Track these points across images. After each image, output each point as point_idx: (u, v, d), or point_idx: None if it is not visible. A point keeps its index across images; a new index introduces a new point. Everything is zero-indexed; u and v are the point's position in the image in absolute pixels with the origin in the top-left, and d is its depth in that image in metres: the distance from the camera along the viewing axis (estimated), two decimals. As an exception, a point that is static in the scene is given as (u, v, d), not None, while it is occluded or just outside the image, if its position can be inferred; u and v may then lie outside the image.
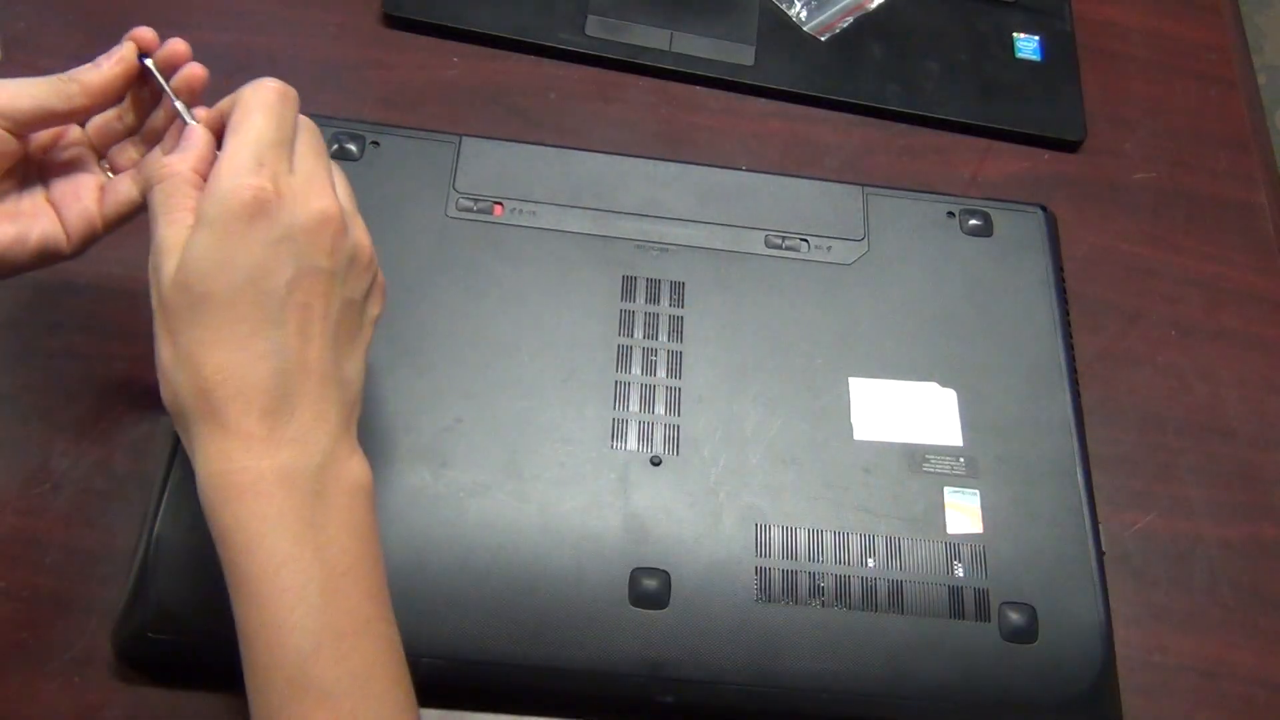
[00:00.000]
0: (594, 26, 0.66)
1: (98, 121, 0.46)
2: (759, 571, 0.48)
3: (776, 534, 0.49)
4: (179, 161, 0.39)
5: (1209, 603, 0.54)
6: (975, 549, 0.50)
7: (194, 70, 0.44)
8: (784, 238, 0.57)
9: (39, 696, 0.45)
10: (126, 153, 0.46)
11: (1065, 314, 0.57)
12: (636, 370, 0.52)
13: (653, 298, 0.54)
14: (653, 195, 0.57)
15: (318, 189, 0.38)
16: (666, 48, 0.66)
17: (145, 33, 0.44)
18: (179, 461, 0.47)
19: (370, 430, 0.49)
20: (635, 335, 0.53)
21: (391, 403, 0.50)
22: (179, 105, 0.43)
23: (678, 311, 0.54)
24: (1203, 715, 0.51)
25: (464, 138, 0.57)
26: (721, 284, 0.55)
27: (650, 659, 0.46)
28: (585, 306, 0.53)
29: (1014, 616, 0.48)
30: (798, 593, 0.48)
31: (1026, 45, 0.69)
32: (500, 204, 0.56)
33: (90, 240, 0.45)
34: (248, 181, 0.36)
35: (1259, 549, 0.55)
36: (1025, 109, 0.67)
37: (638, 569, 0.47)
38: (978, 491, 0.51)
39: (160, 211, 0.38)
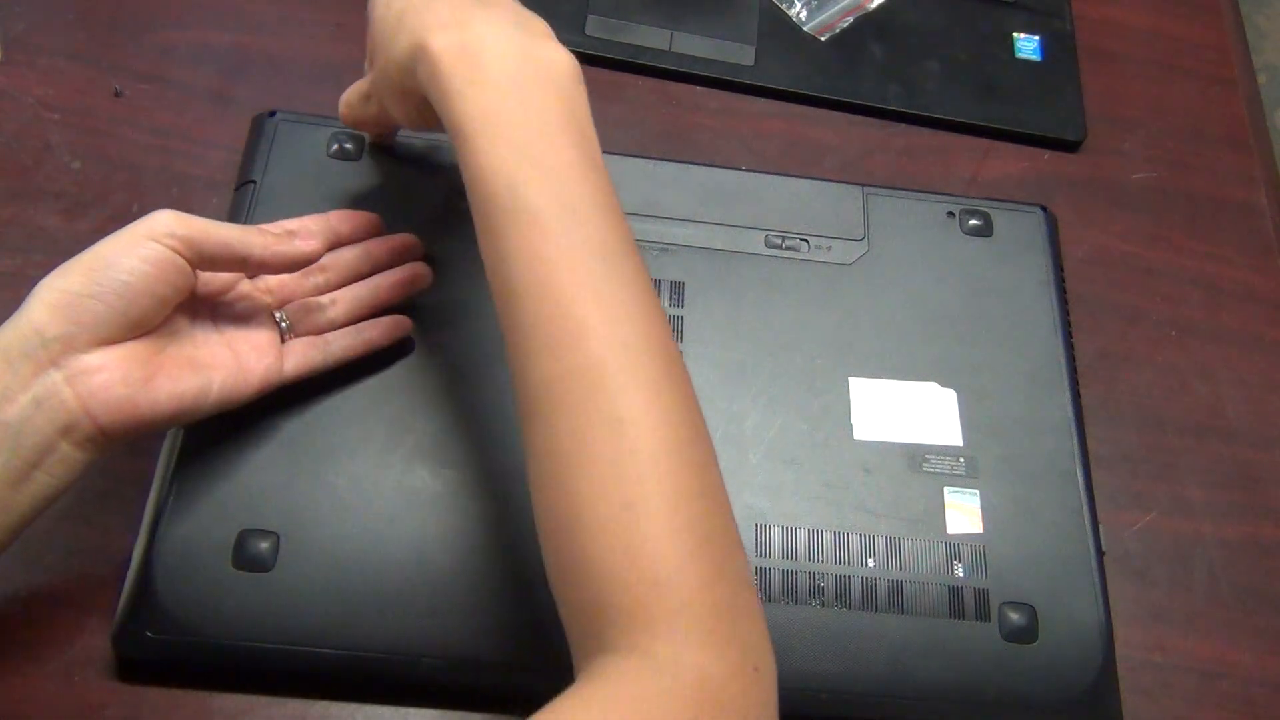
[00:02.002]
0: (594, 26, 0.66)
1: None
2: (759, 571, 0.48)
3: (776, 534, 0.49)
4: None
5: (1209, 603, 0.54)
6: (975, 549, 0.50)
7: (417, 270, 0.51)
8: (784, 238, 0.57)
9: (39, 696, 0.45)
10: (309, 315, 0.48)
11: (1065, 314, 0.57)
12: (636, 370, 0.52)
13: (653, 298, 0.54)
14: (653, 195, 0.57)
15: None
16: (666, 48, 0.66)
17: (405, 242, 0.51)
18: (179, 461, 0.47)
19: (370, 430, 0.49)
20: (635, 335, 0.53)
21: (391, 402, 0.50)
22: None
23: (678, 311, 0.54)
24: (1203, 715, 0.51)
25: (464, 138, 0.57)
26: (721, 284, 0.55)
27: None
28: (585, 306, 0.53)
29: (1014, 616, 0.48)
30: (798, 593, 0.48)
31: (1026, 45, 0.69)
32: (500, 204, 0.56)
33: (267, 392, 0.45)
34: None
35: (1259, 549, 0.55)
36: (1025, 109, 0.67)
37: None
38: (978, 491, 0.51)
39: None
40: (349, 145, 0.56)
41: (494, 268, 0.39)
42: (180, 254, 0.40)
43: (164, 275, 0.40)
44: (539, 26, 0.42)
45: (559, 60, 0.41)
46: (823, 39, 0.67)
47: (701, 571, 0.34)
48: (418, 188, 0.56)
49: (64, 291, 0.39)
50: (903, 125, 0.66)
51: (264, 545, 0.46)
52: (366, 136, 0.56)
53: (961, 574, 0.49)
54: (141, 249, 0.40)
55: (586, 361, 0.36)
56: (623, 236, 0.39)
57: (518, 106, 0.39)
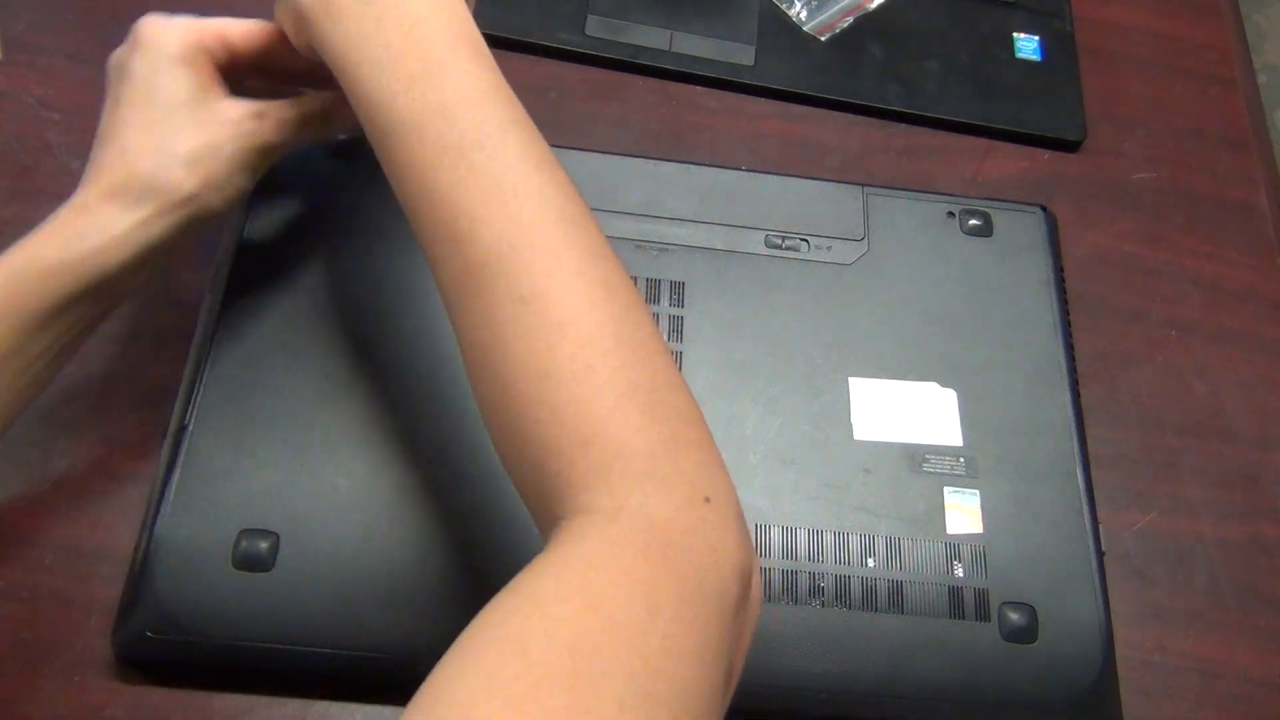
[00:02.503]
0: (594, 26, 0.66)
1: None
2: (759, 571, 0.48)
3: (776, 534, 0.49)
4: None
5: (1209, 603, 0.54)
6: (975, 549, 0.50)
7: None
8: (784, 238, 0.57)
9: (39, 696, 0.45)
10: None
11: (1065, 314, 0.57)
12: (636, 370, 0.52)
13: (653, 298, 0.54)
14: (653, 195, 0.57)
15: None
16: (666, 48, 0.66)
17: None
18: (179, 461, 0.47)
19: (369, 429, 0.49)
20: (635, 335, 0.53)
21: (391, 402, 0.50)
22: None
23: (678, 311, 0.54)
24: (1203, 715, 0.51)
25: (464, 138, 0.57)
26: (721, 284, 0.55)
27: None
28: (585, 306, 0.53)
29: (1014, 616, 0.48)
30: (798, 593, 0.48)
31: (1026, 45, 0.69)
32: (500, 204, 0.56)
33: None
34: None
35: (1259, 549, 0.55)
36: (1025, 109, 0.67)
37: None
38: (978, 491, 0.51)
39: None
40: (349, 145, 0.56)
41: (394, 186, 0.40)
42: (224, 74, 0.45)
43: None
44: None
45: None
46: (823, 39, 0.67)
47: (629, 419, 0.34)
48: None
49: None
50: (903, 125, 0.66)
51: (264, 545, 0.46)
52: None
53: (961, 574, 0.49)
54: (250, 180, 0.45)
55: (483, 252, 0.36)
56: (503, 118, 0.39)
57: (374, 27, 0.39)
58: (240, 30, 0.45)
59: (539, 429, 0.35)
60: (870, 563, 0.49)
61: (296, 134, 0.46)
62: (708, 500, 0.34)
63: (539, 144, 0.39)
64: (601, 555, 0.32)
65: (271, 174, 0.55)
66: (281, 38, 0.45)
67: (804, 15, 0.68)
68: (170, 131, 0.43)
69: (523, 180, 0.37)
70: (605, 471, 0.34)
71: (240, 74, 0.46)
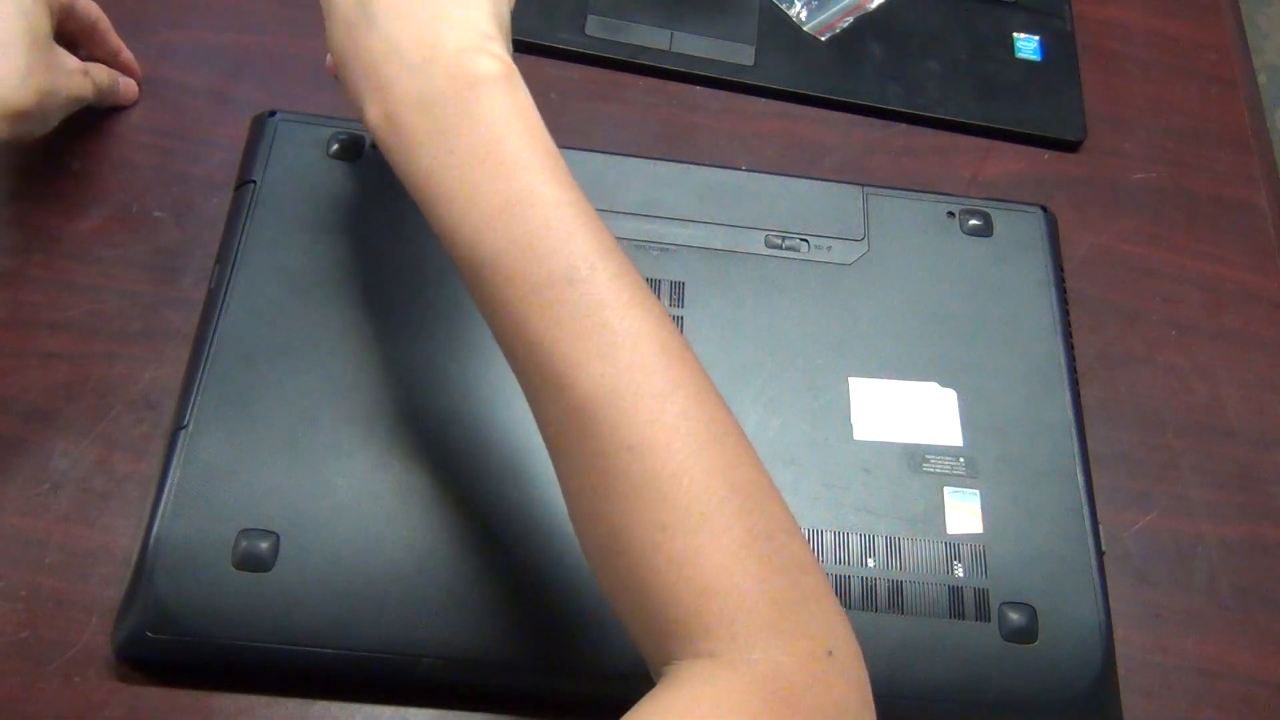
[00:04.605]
0: (594, 26, 0.66)
1: None
2: None
3: (776, 534, 0.49)
4: None
5: (1209, 603, 0.54)
6: (975, 549, 0.50)
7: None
8: (784, 238, 0.57)
9: (39, 696, 0.45)
10: None
11: (1065, 314, 0.57)
12: (636, 370, 0.52)
13: (653, 298, 0.54)
14: (653, 195, 0.57)
15: None
16: (666, 48, 0.66)
17: None
18: (179, 461, 0.47)
19: (369, 429, 0.49)
20: (635, 335, 0.53)
21: (391, 402, 0.50)
22: None
23: (678, 311, 0.54)
24: (1203, 715, 0.51)
25: (464, 138, 0.57)
26: (721, 284, 0.55)
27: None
28: (585, 306, 0.53)
29: (1014, 616, 0.48)
30: (798, 593, 0.48)
31: (1026, 45, 0.69)
32: (500, 204, 0.56)
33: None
34: None
35: (1259, 549, 0.55)
36: (1025, 109, 0.67)
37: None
38: (978, 491, 0.51)
39: None
40: (349, 145, 0.56)
41: (487, 324, 0.39)
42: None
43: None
44: (461, 35, 0.39)
45: (480, 76, 0.38)
46: (823, 39, 0.67)
47: (749, 569, 0.34)
48: (418, 188, 0.56)
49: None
50: (903, 125, 0.66)
51: (264, 545, 0.46)
52: (367, 137, 0.56)
53: (961, 574, 0.49)
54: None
55: (584, 398, 0.35)
56: (591, 250, 0.36)
57: (448, 159, 0.37)
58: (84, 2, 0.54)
59: (656, 579, 0.34)
60: (870, 563, 0.49)
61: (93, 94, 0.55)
62: (830, 654, 0.34)
63: (631, 273, 0.37)
64: (728, 703, 0.32)
65: (269, 173, 0.55)
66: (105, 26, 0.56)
67: (804, 15, 0.68)
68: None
69: (618, 318, 0.36)
70: (728, 622, 0.33)
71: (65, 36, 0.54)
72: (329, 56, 0.47)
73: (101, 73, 0.57)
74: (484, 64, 0.38)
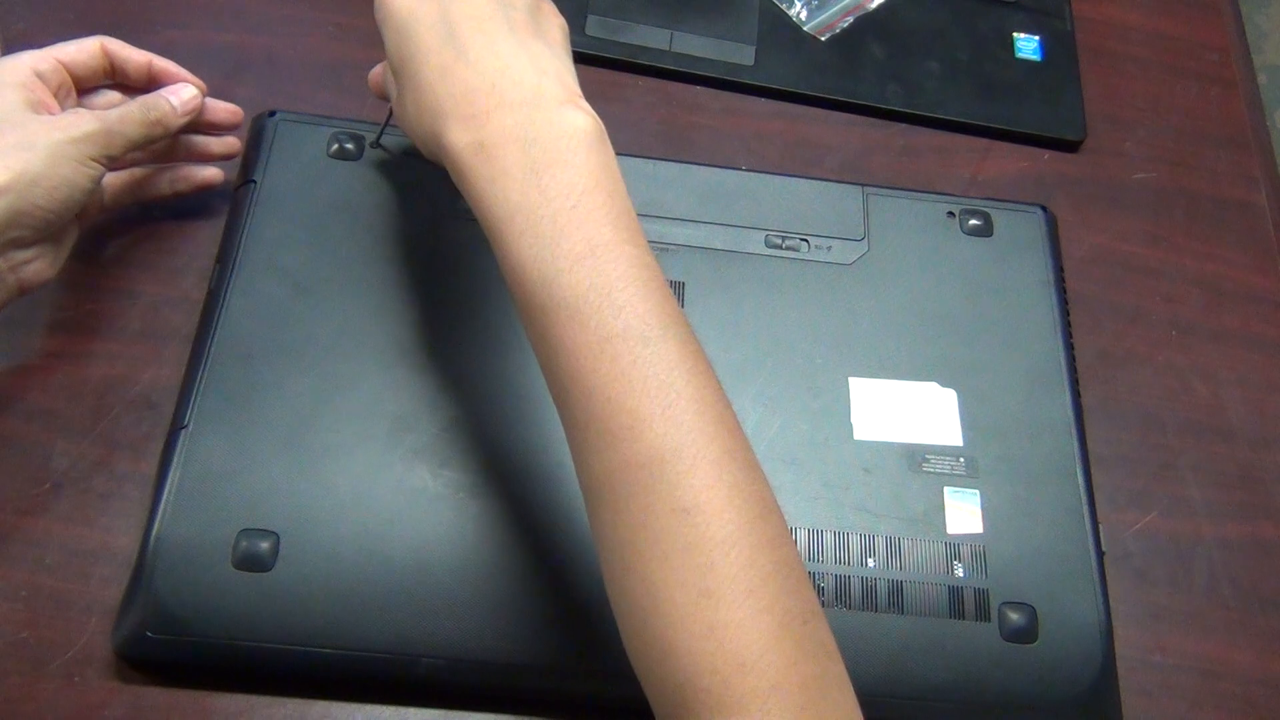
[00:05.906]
0: (594, 26, 0.66)
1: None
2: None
3: (776, 534, 0.49)
4: None
5: (1209, 603, 0.54)
6: (975, 549, 0.50)
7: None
8: (784, 238, 0.57)
9: (39, 696, 0.45)
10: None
11: (1065, 314, 0.57)
12: (636, 370, 0.52)
13: (653, 298, 0.54)
14: (653, 195, 0.57)
15: None
16: (666, 48, 0.66)
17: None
18: (179, 461, 0.47)
19: (369, 429, 0.49)
20: (635, 335, 0.53)
21: (391, 402, 0.50)
22: None
23: (678, 311, 0.54)
24: (1203, 715, 0.51)
25: (464, 138, 0.57)
26: (721, 284, 0.55)
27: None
28: (585, 306, 0.53)
29: (1014, 616, 0.48)
30: (798, 593, 0.48)
31: (1026, 45, 0.69)
32: (500, 204, 0.56)
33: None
34: None
35: (1259, 549, 0.55)
36: (1025, 109, 0.67)
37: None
38: (978, 491, 0.51)
39: None
40: (349, 145, 0.56)
41: (542, 361, 0.38)
42: (103, 167, 0.47)
43: (92, 186, 0.47)
44: (559, 89, 0.40)
45: (580, 129, 0.39)
46: (823, 39, 0.67)
47: (786, 650, 0.34)
48: (418, 188, 0.56)
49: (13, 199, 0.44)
50: (903, 125, 0.66)
51: (264, 545, 0.46)
52: (367, 137, 0.56)
53: (961, 574, 0.49)
54: (75, 173, 0.46)
55: (643, 454, 0.35)
56: (664, 311, 0.37)
57: (539, 197, 0.38)
58: (70, 50, 0.50)
59: (692, 644, 0.34)
60: (870, 563, 0.49)
61: (119, 126, 0.48)
62: None
63: (695, 340, 0.38)
64: None
65: (270, 173, 0.55)
66: (103, 54, 0.51)
67: (804, 15, 0.68)
68: None
69: (685, 381, 0.36)
70: (761, 700, 0.33)
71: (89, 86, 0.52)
72: (381, 69, 0.49)
73: (132, 107, 0.50)
74: (583, 120, 0.40)
